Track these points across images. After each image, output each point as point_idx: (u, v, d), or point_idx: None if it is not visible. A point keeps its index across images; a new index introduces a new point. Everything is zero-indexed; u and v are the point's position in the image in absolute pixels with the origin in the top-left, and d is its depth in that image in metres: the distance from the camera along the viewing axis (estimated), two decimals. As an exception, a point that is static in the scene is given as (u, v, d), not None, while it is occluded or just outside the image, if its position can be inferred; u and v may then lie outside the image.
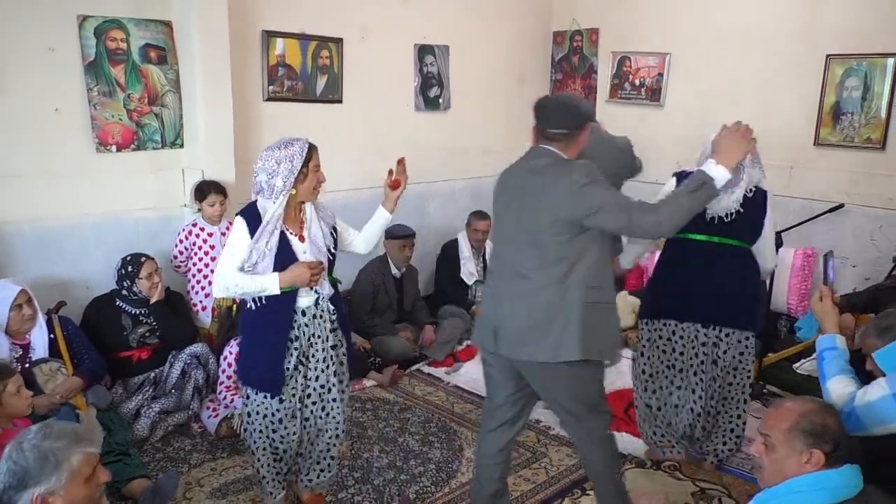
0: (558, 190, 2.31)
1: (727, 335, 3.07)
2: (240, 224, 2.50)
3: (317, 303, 2.62)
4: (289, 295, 2.53)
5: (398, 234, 4.54)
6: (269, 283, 2.48)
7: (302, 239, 2.59)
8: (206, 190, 3.86)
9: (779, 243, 3.92)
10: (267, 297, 2.51)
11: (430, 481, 3.17)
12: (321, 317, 2.64)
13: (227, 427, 3.47)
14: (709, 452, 3.25)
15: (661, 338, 3.19)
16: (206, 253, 3.88)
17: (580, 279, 2.33)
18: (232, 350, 3.56)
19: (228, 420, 3.47)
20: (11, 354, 3.05)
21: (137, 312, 3.57)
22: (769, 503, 1.78)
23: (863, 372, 2.29)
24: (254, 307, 2.55)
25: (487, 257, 5.23)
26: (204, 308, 3.91)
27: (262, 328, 2.59)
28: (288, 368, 2.59)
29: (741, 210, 2.91)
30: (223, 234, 3.90)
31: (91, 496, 1.77)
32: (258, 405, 2.67)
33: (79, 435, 1.78)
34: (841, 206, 4.45)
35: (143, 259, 3.56)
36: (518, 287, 2.40)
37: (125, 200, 3.90)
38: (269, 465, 2.74)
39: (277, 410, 2.66)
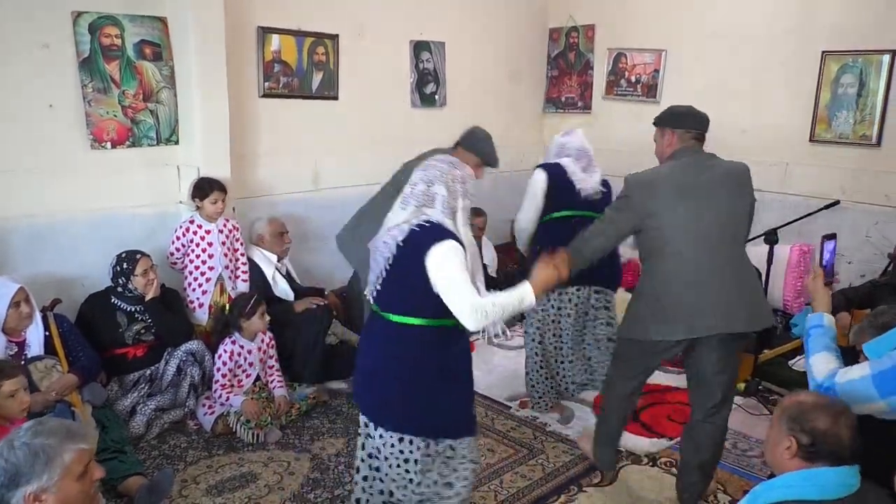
0: (745, 178, 2.72)
1: (604, 294, 3.67)
2: (458, 248, 2.16)
3: None
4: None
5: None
6: (525, 293, 2.21)
7: None
8: (208, 188, 3.84)
9: (774, 240, 3.93)
10: (449, 329, 2.23)
11: (426, 478, 3.17)
12: None
13: (222, 424, 3.47)
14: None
15: (569, 302, 3.62)
16: (204, 250, 3.87)
17: (747, 254, 2.73)
18: (227, 348, 3.55)
19: (224, 417, 3.47)
20: (7, 352, 3.03)
21: (133, 309, 3.56)
22: (764, 495, 1.81)
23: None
24: (435, 341, 2.24)
25: (484, 253, 5.23)
26: (200, 305, 3.90)
27: (453, 366, 2.32)
28: None
29: (604, 190, 3.53)
30: (220, 231, 3.90)
31: (86, 492, 1.77)
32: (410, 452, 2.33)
33: (71, 431, 1.77)
34: (836, 202, 4.46)
35: (138, 256, 3.55)
36: (721, 268, 2.62)
37: (120, 197, 3.88)
38: None
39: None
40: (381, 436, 2.33)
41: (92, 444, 1.82)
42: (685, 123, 2.77)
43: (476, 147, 3.23)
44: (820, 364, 2.20)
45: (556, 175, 3.48)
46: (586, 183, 3.45)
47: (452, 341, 2.27)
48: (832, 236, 2.74)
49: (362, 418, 2.42)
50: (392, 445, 2.31)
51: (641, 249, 2.75)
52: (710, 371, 2.71)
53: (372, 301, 2.31)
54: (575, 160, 3.48)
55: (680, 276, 2.62)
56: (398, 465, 2.32)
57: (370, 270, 2.31)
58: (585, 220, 3.15)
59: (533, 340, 3.71)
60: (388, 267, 2.22)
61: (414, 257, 2.14)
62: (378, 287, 2.26)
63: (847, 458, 1.76)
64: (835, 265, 2.70)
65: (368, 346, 2.36)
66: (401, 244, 2.18)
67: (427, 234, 2.16)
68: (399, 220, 2.23)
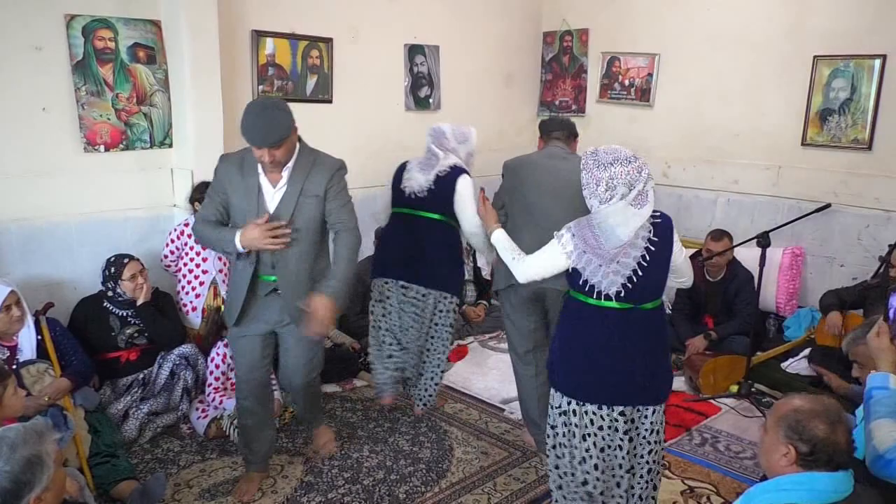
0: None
1: (428, 295, 3.54)
2: None
3: None
4: None
5: (388, 234, 4.52)
6: None
7: None
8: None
9: (767, 243, 3.95)
10: None
11: (420, 481, 3.17)
12: None
13: (216, 428, 3.46)
14: (417, 398, 3.76)
15: (382, 293, 3.63)
16: (198, 254, 3.86)
17: None
18: (220, 351, 3.55)
19: (217, 421, 3.46)
20: (-2, 356, 3.03)
21: (125, 314, 3.55)
22: (758, 498, 1.81)
23: (847, 376, 2.29)
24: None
25: (477, 257, 5.25)
26: (194, 308, 3.89)
27: None
28: None
29: (433, 188, 3.40)
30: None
31: (62, 476, 1.87)
32: None
33: (38, 430, 1.82)
34: (828, 205, 4.49)
35: (125, 260, 3.53)
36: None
37: (113, 200, 3.87)
38: None
39: None
40: (653, 412, 2.50)
41: (53, 431, 1.90)
42: (543, 129, 3.32)
43: None
44: (883, 432, 2.02)
45: (397, 173, 3.60)
46: (410, 182, 3.46)
47: None
48: None
49: (608, 414, 2.47)
50: (657, 417, 2.52)
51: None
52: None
53: (615, 300, 2.38)
54: (420, 159, 3.50)
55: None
56: (657, 433, 2.53)
57: (603, 276, 2.37)
58: (407, 216, 3.51)
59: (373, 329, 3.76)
60: (643, 264, 2.35)
61: (666, 244, 2.41)
62: (628, 286, 2.36)
63: (844, 462, 1.76)
64: None
65: (637, 345, 2.44)
66: (655, 239, 2.37)
67: (666, 221, 2.43)
68: (640, 223, 2.33)
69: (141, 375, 3.55)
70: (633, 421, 2.48)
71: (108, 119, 3.81)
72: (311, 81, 4.66)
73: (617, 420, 2.46)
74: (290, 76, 4.54)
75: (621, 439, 2.47)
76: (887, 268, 3.88)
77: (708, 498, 3.08)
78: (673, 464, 3.33)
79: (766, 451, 1.85)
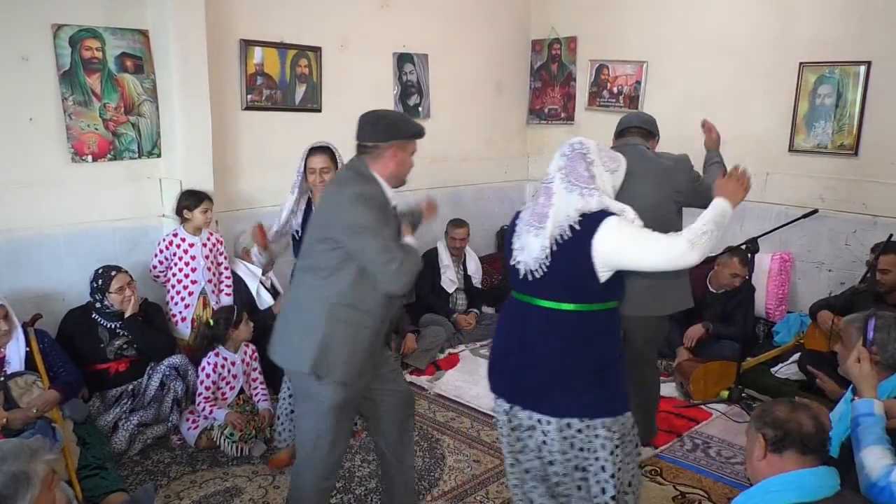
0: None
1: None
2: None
3: None
4: None
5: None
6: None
7: None
8: (197, 199, 3.82)
9: (755, 249, 3.97)
10: None
11: (412, 490, 3.16)
12: None
13: (206, 439, 3.44)
14: None
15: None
16: (187, 264, 3.85)
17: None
18: (210, 361, 3.53)
19: (208, 432, 3.44)
20: (-14, 368, 3.00)
21: (113, 325, 3.53)
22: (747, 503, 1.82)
23: (839, 379, 2.30)
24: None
25: (468, 265, 5.25)
26: (184, 319, 3.87)
27: None
28: None
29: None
30: (203, 244, 3.88)
31: (52, 496, 1.84)
32: None
33: (32, 448, 1.81)
34: (815, 211, 4.52)
35: (112, 273, 3.50)
36: None
37: (102, 211, 3.86)
38: None
39: None
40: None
41: (51, 452, 1.88)
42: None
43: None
44: (872, 459, 1.98)
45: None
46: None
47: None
48: (874, 314, 2.43)
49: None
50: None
51: None
52: None
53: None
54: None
55: None
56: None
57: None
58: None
59: None
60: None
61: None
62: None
63: (815, 446, 1.77)
64: (872, 343, 2.36)
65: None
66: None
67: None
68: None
69: (130, 387, 3.53)
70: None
71: (96, 129, 3.80)
72: (300, 91, 4.66)
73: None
74: (278, 85, 4.54)
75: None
76: (874, 272, 3.91)
77: (699, 503, 3.08)
78: (664, 469, 3.33)
79: (748, 454, 1.88)
